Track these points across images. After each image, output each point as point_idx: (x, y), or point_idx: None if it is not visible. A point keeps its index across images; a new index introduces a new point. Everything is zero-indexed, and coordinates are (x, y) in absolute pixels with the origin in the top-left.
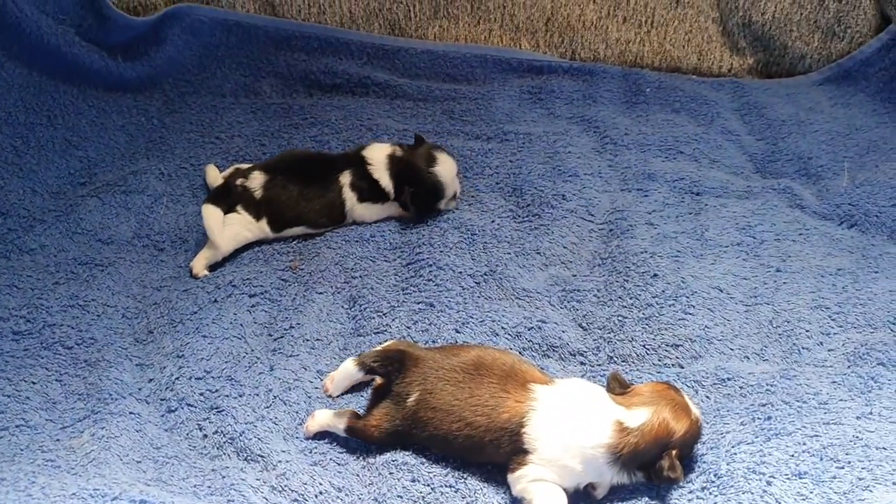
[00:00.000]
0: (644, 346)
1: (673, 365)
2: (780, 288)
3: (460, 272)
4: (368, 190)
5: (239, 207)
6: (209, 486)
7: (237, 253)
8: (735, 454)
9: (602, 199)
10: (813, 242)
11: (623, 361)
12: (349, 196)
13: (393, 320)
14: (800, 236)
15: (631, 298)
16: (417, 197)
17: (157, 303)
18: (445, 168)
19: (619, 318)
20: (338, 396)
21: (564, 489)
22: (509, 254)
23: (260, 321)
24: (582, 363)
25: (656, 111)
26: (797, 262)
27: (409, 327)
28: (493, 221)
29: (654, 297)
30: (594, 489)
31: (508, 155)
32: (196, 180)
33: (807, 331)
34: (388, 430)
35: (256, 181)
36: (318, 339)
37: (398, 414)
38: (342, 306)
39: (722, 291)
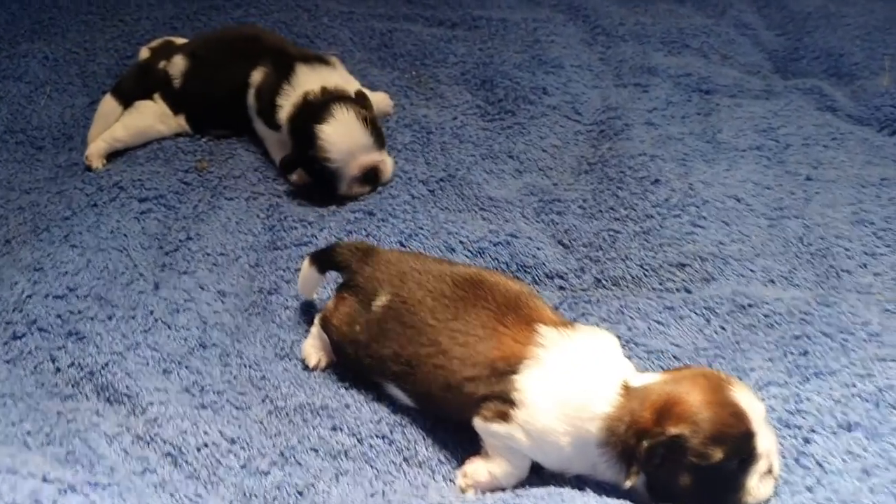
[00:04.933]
0: (641, 265)
1: (678, 289)
2: (811, 199)
3: (410, 178)
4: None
5: (157, 95)
6: (47, 434)
7: (132, 148)
8: (763, 399)
9: (591, 95)
10: (848, 149)
11: (614, 285)
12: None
13: (321, 230)
14: (833, 141)
15: (625, 209)
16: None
17: (23, 207)
18: (338, 132)
19: (610, 233)
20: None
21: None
22: (474, 157)
23: (150, 231)
24: (561, 287)
25: (657, 0)
26: (831, 170)
27: (339, 239)
28: (454, 119)
29: (654, 207)
30: None
31: (478, 42)
32: (88, 67)
33: (847, 250)
34: (347, 336)
35: (177, 67)
36: (221, 254)
37: (361, 318)
38: (257, 215)
39: (740, 202)
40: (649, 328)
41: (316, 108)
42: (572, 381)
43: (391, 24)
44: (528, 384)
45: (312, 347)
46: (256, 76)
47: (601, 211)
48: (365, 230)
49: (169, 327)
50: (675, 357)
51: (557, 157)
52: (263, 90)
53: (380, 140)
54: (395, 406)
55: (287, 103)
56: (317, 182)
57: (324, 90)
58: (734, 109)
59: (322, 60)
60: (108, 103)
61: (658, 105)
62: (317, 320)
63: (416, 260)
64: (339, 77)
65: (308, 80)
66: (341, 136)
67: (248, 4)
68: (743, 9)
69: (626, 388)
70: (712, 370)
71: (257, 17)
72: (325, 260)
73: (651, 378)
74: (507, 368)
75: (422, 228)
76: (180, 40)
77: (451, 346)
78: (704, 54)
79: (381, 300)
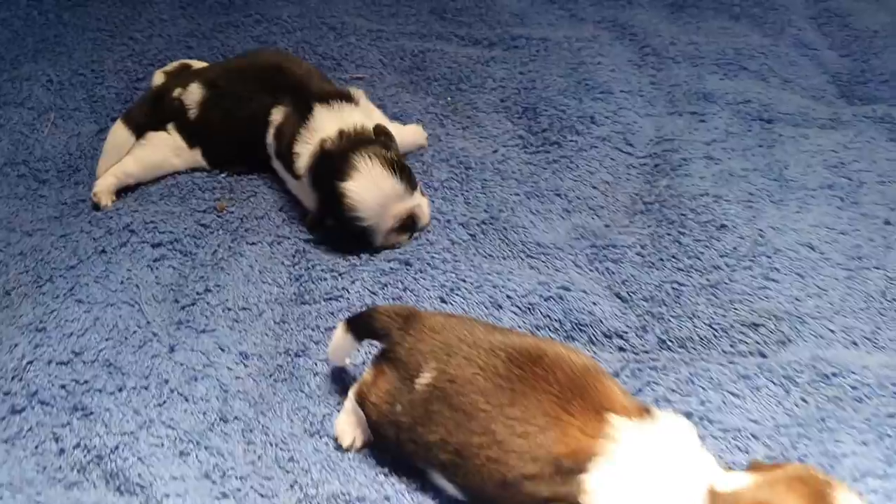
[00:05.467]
0: (710, 325)
1: (752, 353)
2: (891, 247)
3: (449, 220)
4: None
5: (170, 126)
6: None
7: (144, 184)
8: (861, 494)
9: (644, 125)
10: None
11: (681, 347)
12: (272, 143)
13: (352, 283)
14: None
15: (689, 258)
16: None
17: (24, 252)
18: (364, 188)
19: (674, 286)
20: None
21: None
22: (518, 195)
23: (164, 281)
24: (622, 349)
25: (710, 17)
26: None
27: (373, 293)
28: (495, 151)
29: (722, 257)
30: None
31: (518, 65)
32: (96, 91)
33: None
34: (387, 416)
35: (193, 96)
36: (244, 308)
37: (403, 397)
38: (282, 262)
39: (814, 250)
40: (724, 401)
41: (336, 161)
42: (651, 485)
43: (423, 44)
44: (598, 486)
45: (347, 424)
46: (276, 115)
47: (662, 259)
48: (402, 283)
49: (186, 399)
50: (752, 436)
51: (609, 195)
52: (283, 134)
53: (411, 183)
54: (442, 498)
55: (305, 152)
56: (350, 236)
57: (341, 134)
58: (799, 141)
59: (343, 97)
60: (119, 132)
61: (717, 136)
62: (351, 394)
63: (464, 328)
64: (359, 114)
65: (325, 125)
66: (369, 191)
67: (268, 22)
68: (803, 26)
69: (713, 494)
70: (809, 470)
71: (279, 35)
72: (361, 327)
73: (740, 480)
74: (573, 466)
75: (464, 281)
76: (198, 64)
77: (508, 436)
78: (763, 77)
79: (425, 377)
